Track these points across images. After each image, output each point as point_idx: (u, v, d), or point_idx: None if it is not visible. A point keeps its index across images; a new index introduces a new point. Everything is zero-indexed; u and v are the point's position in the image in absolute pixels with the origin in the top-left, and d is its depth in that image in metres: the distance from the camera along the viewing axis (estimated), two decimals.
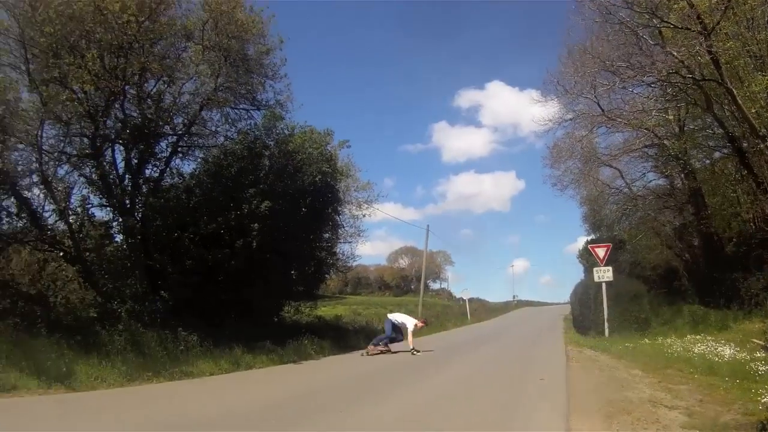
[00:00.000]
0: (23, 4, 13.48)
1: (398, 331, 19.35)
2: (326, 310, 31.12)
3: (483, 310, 69.24)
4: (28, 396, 9.60)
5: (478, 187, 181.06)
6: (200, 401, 10.46)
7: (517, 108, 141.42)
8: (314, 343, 18.64)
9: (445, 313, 52.16)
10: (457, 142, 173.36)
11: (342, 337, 22.82)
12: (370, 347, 19.22)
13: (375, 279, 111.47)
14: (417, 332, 19.27)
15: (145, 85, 16.98)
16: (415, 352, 18.13)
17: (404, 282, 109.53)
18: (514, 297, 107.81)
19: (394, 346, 19.29)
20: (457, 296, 73.44)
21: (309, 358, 16.80)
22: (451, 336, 33.13)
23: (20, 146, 14.31)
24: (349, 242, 28.98)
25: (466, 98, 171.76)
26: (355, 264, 33.67)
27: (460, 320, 49.29)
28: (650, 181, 28.37)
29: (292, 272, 20.99)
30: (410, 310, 31.17)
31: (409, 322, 19.09)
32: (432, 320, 38.67)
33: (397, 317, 19.79)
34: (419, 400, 10.34)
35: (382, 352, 18.89)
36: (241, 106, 19.66)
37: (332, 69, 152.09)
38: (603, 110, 22.88)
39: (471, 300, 59.89)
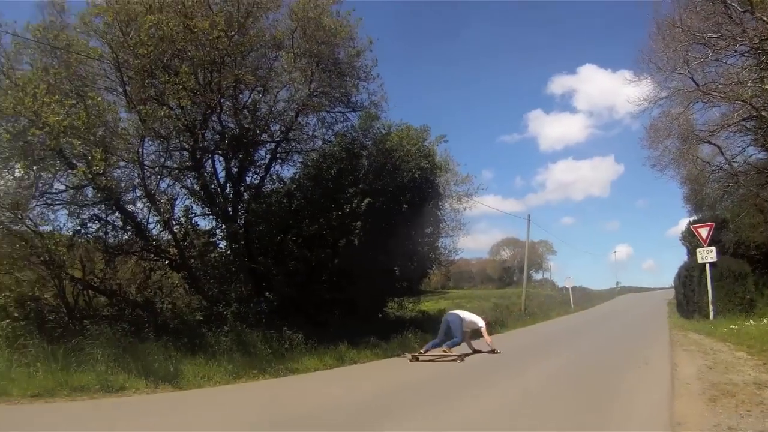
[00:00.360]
0: (115, 30, 13.38)
1: (458, 334, 15.04)
2: (429, 305, 30.21)
3: (586, 298, 66.87)
4: (136, 395, 9.73)
5: (576, 174, 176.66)
6: (304, 395, 10.52)
7: (611, 90, 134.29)
8: (417, 337, 17.91)
9: (549, 303, 50.32)
10: (553, 129, 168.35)
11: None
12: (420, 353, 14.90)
13: (477, 272, 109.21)
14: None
15: (240, 96, 16.67)
16: (498, 351, 15.24)
17: (506, 274, 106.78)
18: (617, 283, 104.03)
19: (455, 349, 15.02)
20: (560, 286, 70.70)
21: (413, 352, 15.69)
22: (555, 325, 31.97)
23: (122, 163, 14.20)
24: (451, 236, 28.32)
25: (559, 84, 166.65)
26: (457, 258, 32.74)
27: (564, 309, 47.42)
28: (751, 155, 25.87)
29: (395, 268, 20.23)
30: (473, 307, 29.50)
31: (478, 320, 15.57)
32: (535, 311, 37.40)
33: (462, 315, 15.52)
34: (523, 387, 10.20)
35: (441, 356, 14.63)
36: (336, 109, 18.98)
37: (425, 65, 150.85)
38: (698, 85, 20.93)
39: (574, 288, 57.44)
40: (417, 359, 14.40)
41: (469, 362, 14.04)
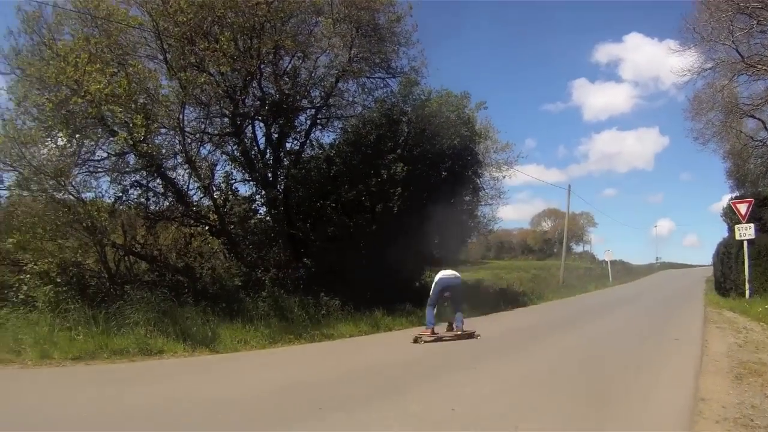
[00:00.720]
0: None
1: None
2: (468, 275, 29.87)
3: (625, 272, 65.80)
4: (173, 358, 9.84)
5: (620, 145, 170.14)
6: (337, 359, 10.63)
7: (657, 60, 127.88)
8: None
9: (587, 276, 49.72)
10: (598, 99, 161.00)
11: (483, 299, 21.47)
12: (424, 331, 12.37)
13: (518, 243, 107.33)
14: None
15: (280, 62, 16.48)
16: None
17: (547, 245, 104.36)
18: (656, 259, 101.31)
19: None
20: (600, 258, 69.44)
21: (448, 320, 15.55)
22: (591, 298, 31.63)
23: (163, 130, 14.16)
24: (490, 205, 27.91)
25: (604, 53, 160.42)
26: (496, 227, 32.09)
27: (602, 283, 46.64)
28: None
29: (434, 236, 19.71)
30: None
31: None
32: (573, 283, 37.02)
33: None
34: (548, 356, 10.44)
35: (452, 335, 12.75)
36: (376, 75, 18.59)
37: (465, 32, 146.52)
38: (742, 57, 20.36)
39: (613, 262, 56.48)
40: (418, 341, 11.94)
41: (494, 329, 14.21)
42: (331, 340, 12.77)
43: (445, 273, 12.84)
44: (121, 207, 14.21)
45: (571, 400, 6.61)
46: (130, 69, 12.48)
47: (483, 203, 26.02)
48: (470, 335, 12.61)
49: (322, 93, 17.33)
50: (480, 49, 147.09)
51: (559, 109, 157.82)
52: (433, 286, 12.77)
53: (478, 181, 22.86)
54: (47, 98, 11.63)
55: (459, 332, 12.57)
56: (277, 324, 12.54)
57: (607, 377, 8.11)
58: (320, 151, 17.79)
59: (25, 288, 10.75)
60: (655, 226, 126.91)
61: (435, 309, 12.56)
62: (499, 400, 6.67)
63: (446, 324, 12.96)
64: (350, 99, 18.46)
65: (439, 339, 12.28)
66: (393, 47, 18.11)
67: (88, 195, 13.18)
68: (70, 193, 12.26)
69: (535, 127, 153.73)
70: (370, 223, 16.34)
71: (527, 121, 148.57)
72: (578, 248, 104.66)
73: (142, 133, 11.89)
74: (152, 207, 14.74)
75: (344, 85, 17.89)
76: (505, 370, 8.90)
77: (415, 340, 11.86)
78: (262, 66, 15.40)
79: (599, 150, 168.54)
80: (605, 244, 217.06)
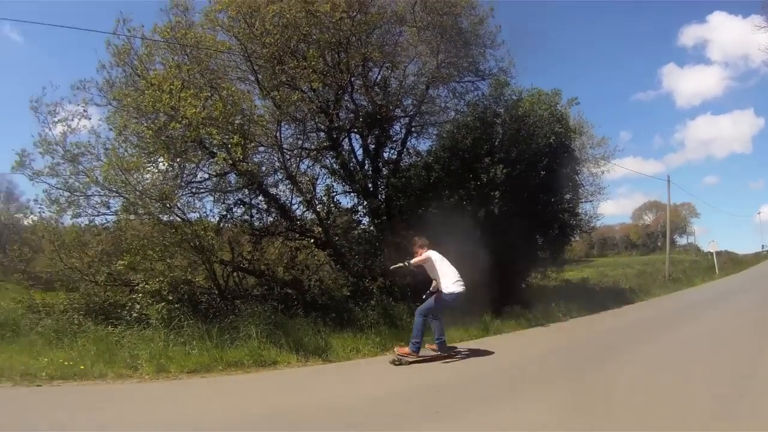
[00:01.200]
0: (240, 23, 13.53)
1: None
2: (573, 274, 29.10)
3: (731, 262, 61.60)
4: (287, 368, 9.91)
5: (716, 129, 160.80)
6: (450, 364, 10.28)
7: (744, 38, 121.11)
8: (561, 306, 17.34)
9: (693, 269, 46.93)
10: (689, 83, 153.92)
11: (589, 299, 20.85)
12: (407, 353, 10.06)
13: (620, 238, 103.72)
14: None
15: (370, 74, 16.35)
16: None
17: (650, 239, 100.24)
18: (762, 247, 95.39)
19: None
20: (705, 250, 66.09)
21: (556, 321, 15.84)
22: (699, 292, 29.96)
23: (262, 148, 14.46)
24: (590, 201, 26.79)
25: (689, 35, 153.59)
26: (598, 224, 30.85)
27: (708, 275, 44.00)
28: None
29: (537, 237, 19.26)
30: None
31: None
32: (679, 277, 35.34)
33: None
34: (662, 352, 10.46)
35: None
36: (465, 79, 18.18)
37: (550, 29, 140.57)
38: None
39: (718, 253, 53.59)
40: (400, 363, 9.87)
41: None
42: None
43: (454, 276, 10.26)
44: (227, 225, 14.46)
45: None
46: (224, 92, 12.67)
47: (583, 200, 25.03)
48: (451, 352, 10.62)
49: (414, 101, 17.16)
50: (564, 44, 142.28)
51: (650, 98, 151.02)
52: (439, 293, 10.28)
53: (577, 178, 21.99)
54: (146, 126, 12.02)
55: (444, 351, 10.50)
56: (386, 331, 12.35)
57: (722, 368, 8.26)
58: (418, 159, 17.52)
59: (138, 307, 11.04)
60: (759, 213, 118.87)
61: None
62: None
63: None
64: (442, 105, 18.21)
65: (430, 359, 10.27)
66: (479, 50, 17.72)
67: (193, 215, 13.50)
68: (176, 215, 12.51)
69: (628, 118, 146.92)
70: (472, 227, 15.69)
71: (620, 113, 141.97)
72: (682, 240, 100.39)
73: (239, 152, 11.94)
74: (257, 223, 14.89)
75: (435, 91, 17.67)
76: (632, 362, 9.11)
77: (396, 362, 9.79)
78: (352, 79, 15.34)
79: (695, 137, 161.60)
80: (708, 234, 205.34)
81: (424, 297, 10.59)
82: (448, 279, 10.19)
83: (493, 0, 17.20)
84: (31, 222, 13.36)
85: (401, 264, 10.53)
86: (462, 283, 10.23)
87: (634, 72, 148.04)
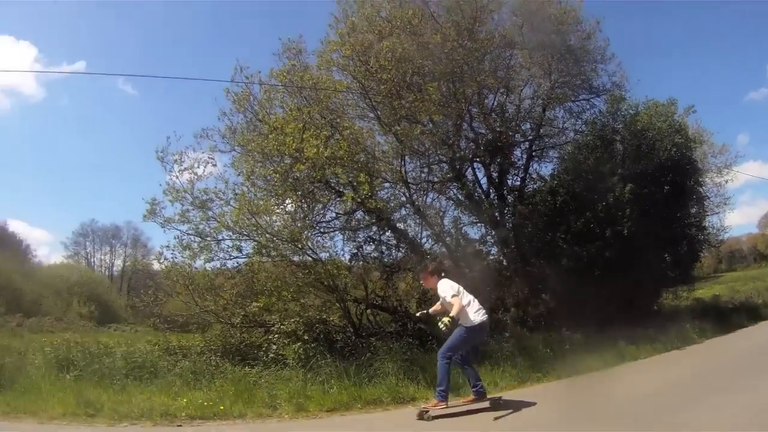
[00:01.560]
0: (354, 62, 13.70)
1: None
2: (703, 292, 27.57)
3: None
4: (424, 403, 9.14)
5: None
6: (596, 393, 10.20)
7: None
8: (695, 327, 16.44)
9: None
10: None
11: (722, 317, 19.71)
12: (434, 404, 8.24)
13: (748, 250, 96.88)
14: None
15: (485, 101, 16.19)
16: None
17: None
18: None
19: None
20: None
21: (692, 343, 15.02)
22: None
23: (386, 184, 14.42)
24: (717, 213, 25.37)
25: None
26: (726, 236, 29.18)
27: None
28: None
29: (666, 255, 18.37)
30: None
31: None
32: None
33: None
34: None
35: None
36: (580, 97, 17.74)
37: (655, 38, 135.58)
38: None
39: None
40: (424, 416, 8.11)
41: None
42: (578, 375, 11.92)
43: (475, 304, 8.38)
44: (358, 263, 14.43)
45: None
46: (346, 131, 12.85)
47: (709, 213, 23.79)
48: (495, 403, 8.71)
49: (532, 125, 16.89)
50: (671, 50, 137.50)
51: (763, 96, 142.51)
52: (460, 327, 8.21)
53: (701, 190, 20.85)
54: (273, 169, 12.24)
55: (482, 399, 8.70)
56: (522, 363, 11.90)
57: None
58: (542, 184, 17.14)
59: (274, 347, 11.05)
60: None
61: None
62: None
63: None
64: (560, 126, 17.86)
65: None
66: (590, 66, 17.31)
67: (324, 255, 13.50)
68: (308, 255, 12.60)
69: (743, 120, 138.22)
70: (601, 250, 15.16)
71: (734, 116, 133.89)
72: None
73: (368, 191, 11.99)
74: (386, 259, 14.84)
75: (551, 112, 17.35)
76: None
77: (421, 416, 8.12)
78: (469, 107, 15.20)
79: None
80: None
81: (444, 331, 8.04)
82: (470, 308, 8.24)
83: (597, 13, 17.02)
84: (162, 267, 13.55)
85: (424, 311, 9.19)
86: (484, 311, 8.43)
87: (744, 70, 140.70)
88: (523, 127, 16.79)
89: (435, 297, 9.26)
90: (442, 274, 8.69)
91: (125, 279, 68.92)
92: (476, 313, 8.26)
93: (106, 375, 9.87)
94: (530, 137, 16.94)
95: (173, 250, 12.51)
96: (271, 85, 13.52)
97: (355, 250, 14.37)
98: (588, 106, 17.90)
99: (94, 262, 71.80)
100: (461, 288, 8.42)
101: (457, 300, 8.03)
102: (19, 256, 57.55)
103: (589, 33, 16.78)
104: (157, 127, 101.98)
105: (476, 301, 8.43)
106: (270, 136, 12.26)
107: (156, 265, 16.52)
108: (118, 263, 73.13)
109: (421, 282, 9.57)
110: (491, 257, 16.32)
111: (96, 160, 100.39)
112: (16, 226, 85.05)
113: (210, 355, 11.33)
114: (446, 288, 8.28)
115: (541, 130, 16.95)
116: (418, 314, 9.38)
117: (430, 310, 8.97)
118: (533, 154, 17.32)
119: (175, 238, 12.44)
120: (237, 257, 12.76)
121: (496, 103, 16.29)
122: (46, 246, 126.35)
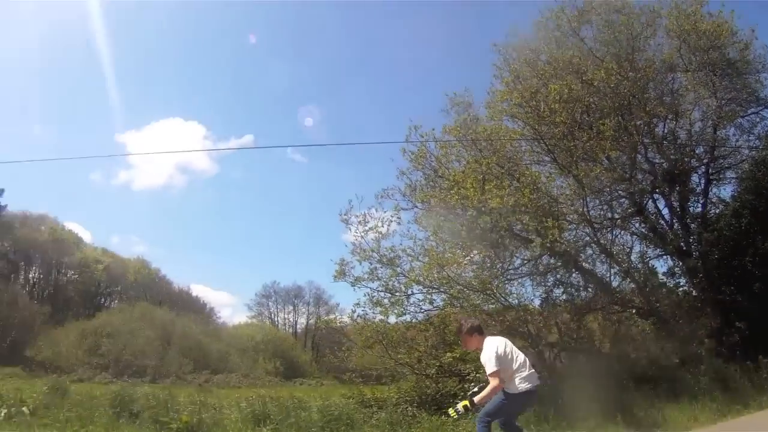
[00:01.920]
0: (524, 108, 13.76)
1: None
2: None
3: None
4: None
5: None
6: None
7: None
8: None
9: None
10: None
11: None
12: None
13: None
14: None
15: (656, 129, 16.00)
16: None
17: None
18: None
19: None
20: None
21: None
22: None
23: (570, 226, 14.22)
24: None
25: None
26: None
27: None
28: None
29: None
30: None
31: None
32: None
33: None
34: None
35: None
36: (749, 111, 17.00)
37: None
38: None
39: None
40: None
41: None
42: None
43: (526, 368, 6.62)
44: (549, 307, 14.33)
45: None
46: (526, 178, 12.91)
47: None
48: None
49: (706, 147, 16.39)
50: None
51: None
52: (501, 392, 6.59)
53: None
54: (459, 223, 12.43)
55: None
56: (720, 396, 11.61)
57: None
58: (724, 207, 16.41)
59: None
60: None
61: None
62: None
63: None
64: (733, 144, 17.06)
65: None
66: (754, 77, 16.66)
67: (514, 301, 13.44)
68: (500, 302, 12.72)
69: None
70: None
71: None
72: None
73: (557, 235, 11.97)
74: (576, 301, 14.53)
75: (722, 132, 16.78)
76: None
77: None
78: (642, 138, 15.02)
79: None
80: None
81: (469, 394, 6.93)
82: (519, 373, 6.57)
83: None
84: (354, 323, 14.10)
85: (465, 404, 6.68)
86: (537, 375, 6.82)
87: None
88: (697, 152, 16.39)
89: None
90: (483, 332, 7.00)
91: (309, 335, 70.92)
92: (524, 380, 6.57)
93: (303, 428, 10.22)
94: (705, 161, 16.46)
95: (364, 307, 13.04)
96: (445, 140, 14.01)
97: (545, 295, 14.32)
98: (758, 119, 17.10)
99: (277, 321, 74.13)
100: (511, 350, 6.71)
101: (495, 381, 6.41)
102: (204, 317, 61.45)
103: (746, 43, 16.21)
104: (321, 189, 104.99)
105: (528, 363, 6.70)
106: (452, 190, 12.61)
107: (342, 321, 17.02)
108: (301, 321, 75.25)
109: (462, 345, 8.23)
110: (681, 288, 15.98)
111: (271, 224, 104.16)
112: (199, 290, 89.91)
113: (406, 406, 11.62)
114: (489, 356, 6.54)
115: (716, 152, 16.42)
116: (470, 394, 6.84)
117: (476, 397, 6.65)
118: (711, 177, 16.76)
119: (365, 295, 12.95)
120: (429, 310, 13.14)
121: (666, 131, 16.04)
122: (229, 308, 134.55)
